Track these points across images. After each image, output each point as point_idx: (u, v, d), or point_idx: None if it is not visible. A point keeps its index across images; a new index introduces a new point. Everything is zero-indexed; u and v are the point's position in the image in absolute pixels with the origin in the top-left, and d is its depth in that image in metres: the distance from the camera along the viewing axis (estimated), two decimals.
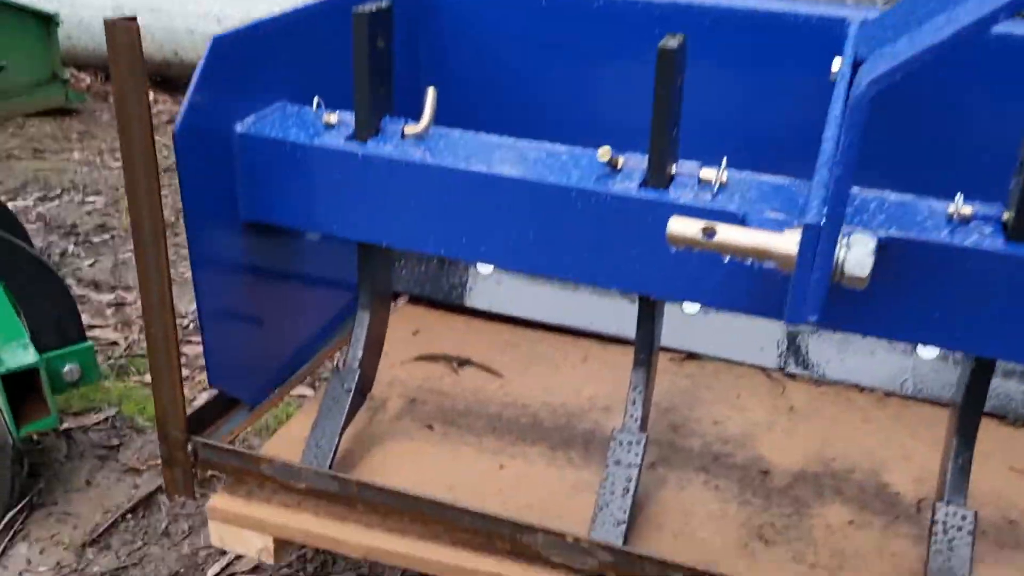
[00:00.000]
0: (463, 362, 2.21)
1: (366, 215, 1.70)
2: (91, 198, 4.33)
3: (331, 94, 1.91)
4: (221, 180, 1.71)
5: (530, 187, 1.57)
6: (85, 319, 3.01)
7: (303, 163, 1.70)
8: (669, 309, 2.27)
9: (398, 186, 1.65)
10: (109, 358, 2.91)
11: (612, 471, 1.64)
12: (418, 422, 1.99)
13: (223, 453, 1.74)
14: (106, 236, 3.90)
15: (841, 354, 2.15)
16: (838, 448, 1.88)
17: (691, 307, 2.26)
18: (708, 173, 1.52)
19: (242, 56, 1.69)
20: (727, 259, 1.24)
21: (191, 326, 3.19)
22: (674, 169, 1.53)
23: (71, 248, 3.75)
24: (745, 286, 1.39)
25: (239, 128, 1.71)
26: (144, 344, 3.05)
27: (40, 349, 2.15)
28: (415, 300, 2.47)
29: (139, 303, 3.44)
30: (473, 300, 2.40)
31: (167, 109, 6.21)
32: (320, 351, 2.17)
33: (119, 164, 5.15)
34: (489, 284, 2.41)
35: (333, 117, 1.72)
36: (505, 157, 1.63)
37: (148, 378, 2.85)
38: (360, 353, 1.86)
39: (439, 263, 2.45)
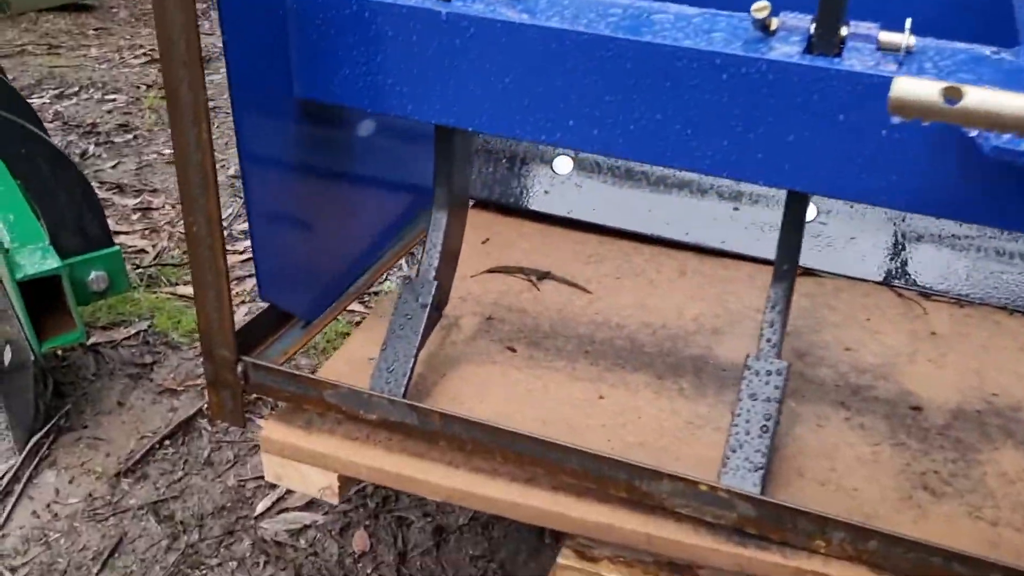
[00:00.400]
0: (543, 275, 1.93)
1: (448, 91, 1.39)
2: (111, 96, 4.02)
3: None
4: (274, 48, 1.41)
5: (660, 54, 1.25)
6: (109, 224, 2.74)
7: (371, 24, 1.38)
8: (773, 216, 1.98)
9: (490, 54, 1.34)
10: (137, 267, 2.65)
11: (746, 406, 1.36)
12: (498, 343, 1.71)
13: (279, 376, 1.47)
14: (128, 136, 3.60)
15: (980, 271, 1.85)
16: (997, 381, 1.60)
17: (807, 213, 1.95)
18: (890, 37, 1.20)
19: None
20: (974, 134, 0.93)
21: (225, 232, 2.91)
22: (845, 31, 1.21)
23: (92, 149, 3.47)
24: (960, 179, 1.08)
25: None
26: (175, 252, 2.79)
27: (62, 254, 1.89)
28: (482, 205, 2.18)
29: (167, 208, 3.17)
30: (550, 205, 2.10)
31: None
32: (378, 262, 1.90)
33: (139, 62, 4.84)
34: (568, 187, 2.10)
35: None
36: (624, 18, 1.31)
37: (181, 289, 2.60)
38: (436, 262, 1.57)
39: (509, 162, 2.15)
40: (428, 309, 1.53)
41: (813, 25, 1.22)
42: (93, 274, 1.94)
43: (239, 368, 1.48)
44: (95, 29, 5.11)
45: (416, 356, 1.51)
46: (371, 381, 1.51)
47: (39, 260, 1.82)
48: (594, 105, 1.32)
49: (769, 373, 1.37)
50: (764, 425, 1.35)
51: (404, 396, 1.48)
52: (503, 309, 1.82)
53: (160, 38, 1.26)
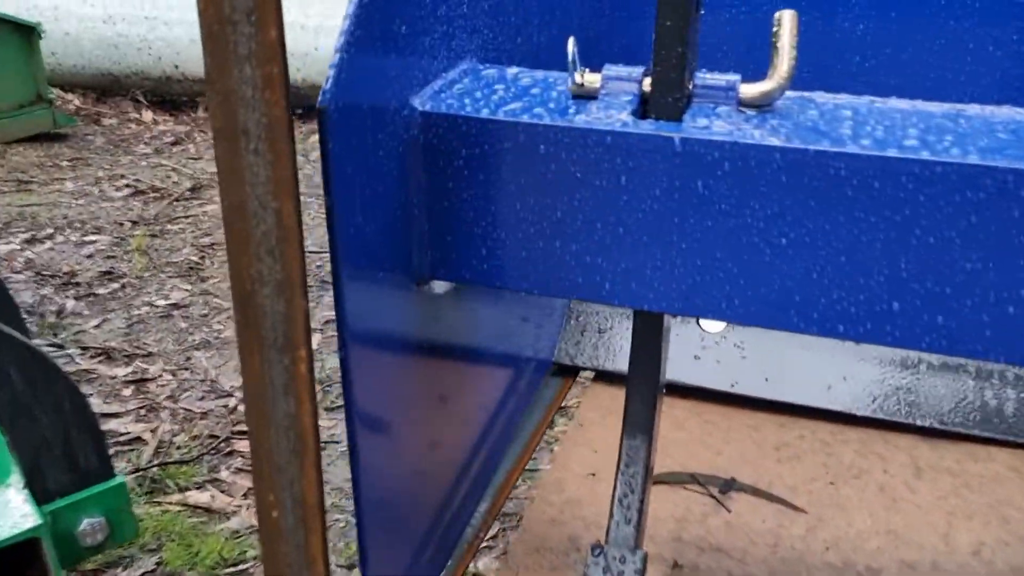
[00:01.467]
0: (727, 485, 1.37)
1: (680, 263, 0.87)
2: (91, 237, 3.48)
3: (524, 48, 1.16)
4: (391, 197, 0.88)
5: None
6: (95, 404, 2.17)
7: (548, 164, 0.87)
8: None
9: (761, 202, 0.83)
10: (134, 467, 2.06)
11: None
12: None
13: None
14: (114, 286, 3.04)
15: None
16: None
17: None
18: None
19: None
20: None
21: (240, 408, 2.34)
22: None
23: (70, 304, 2.90)
24: None
25: (419, 104, 0.88)
26: (180, 438, 2.20)
27: (43, 496, 1.30)
28: (607, 378, 1.64)
29: (166, 377, 2.60)
30: (704, 376, 1.57)
31: (170, 129, 5.39)
32: (494, 479, 1.35)
33: (121, 194, 4.31)
34: (726, 351, 1.58)
35: (593, 77, 0.90)
36: (975, 134, 0.81)
37: (193, 497, 2.00)
38: (636, 516, 1.02)
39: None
40: None
41: None
42: (86, 522, 1.36)
43: None
44: (69, 160, 4.61)
45: None
46: None
47: (7, 516, 1.23)
48: (944, 277, 0.80)
49: None
50: None
51: None
52: (691, 548, 1.26)
53: (226, 207, 0.72)
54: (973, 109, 0.88)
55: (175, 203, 3.92)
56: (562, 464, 1.44)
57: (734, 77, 0.88)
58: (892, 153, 0.79)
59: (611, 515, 1.02)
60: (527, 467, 1.43)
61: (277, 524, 0.82)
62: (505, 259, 0.93)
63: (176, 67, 5.74)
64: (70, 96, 5.87)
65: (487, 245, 0.93)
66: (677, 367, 1.58)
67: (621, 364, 1.63)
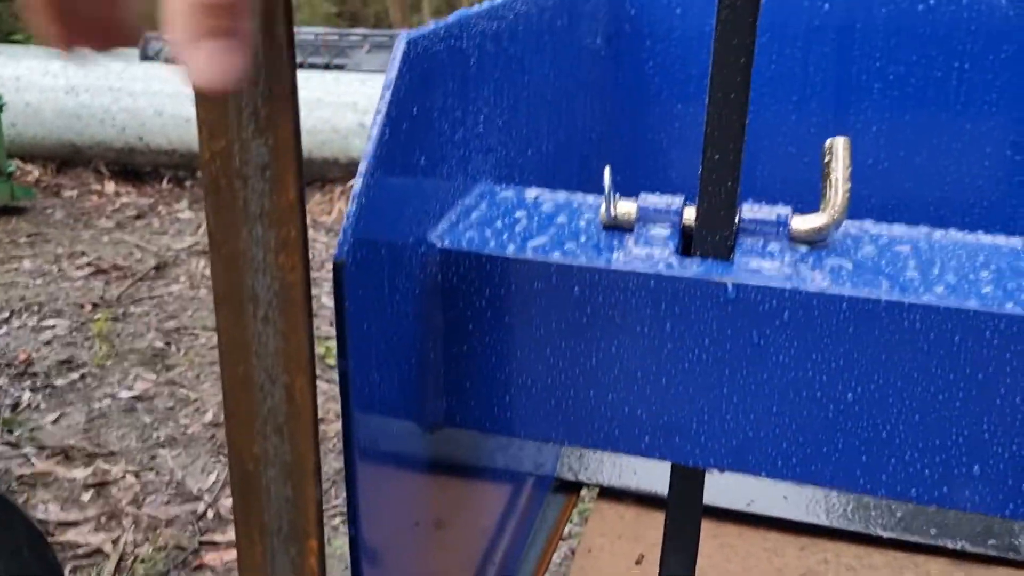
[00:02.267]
0: None
1: (728, 415, 0.78)
2: (49, 321, 3.32)
3: (535, 159, 1.10)
4: (407, 345, 0.79)
5: None
6: (52, 511, 2.03)
7: (589, 308, 0.79)
8: None
9: (812, 351, 0.75)
10: None
11: None
12: None
13: None
14: (73, 376, 2.88)
15: None
16: None
17: None
18: None
19: (448, 83, 0.80)
20: None
21: (209, 513, 2.19)
22: None
23: (26, 397, 2.73)
24: None
25: (436, 240, 0.80)
26: (145, 550, 2.04)
27: None
28: (615, 496, 1.53)
29: (129, 479, 2.44)
30: (716, 495, 1.47)
31: (133, 202, 5.26)
32: None
33: (82, 273, 4.16)
34: None
35: (627, 207, 0.82)
36: None
37: None
38: None
39: None
40: None
41: None
42: None
43: None
44: (27, 236, 4.45)
45: None
46: None
47: None
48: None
49: None
50: None
51: None
52: None
53: (227, 378, 0.62)
54: None
55: (139, 283, 3.78)
56: None
57: (784, 210, 0.80)
58: (973, 305, 0.71)
59: None
60: None
61: None
62: (530, 408, 0.83)
63: (140, 139, 5.64)
64: (30, 167, 5.73)
65: (510, 392, 0.83)
66: (689, 485, 1.48)
67: (628, 480, 1.53)
